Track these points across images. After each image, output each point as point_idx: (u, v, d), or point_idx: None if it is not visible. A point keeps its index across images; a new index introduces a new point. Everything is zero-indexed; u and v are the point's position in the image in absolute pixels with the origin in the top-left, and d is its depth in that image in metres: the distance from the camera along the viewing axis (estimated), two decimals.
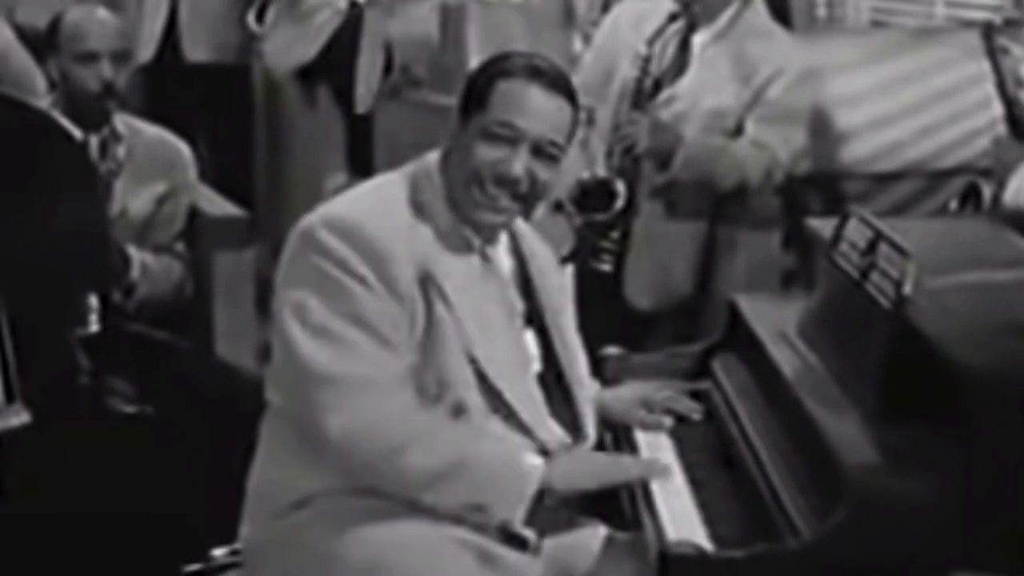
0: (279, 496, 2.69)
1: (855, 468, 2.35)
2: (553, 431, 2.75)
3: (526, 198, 2.70)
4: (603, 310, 3.96)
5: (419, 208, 2.69)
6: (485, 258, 2.77)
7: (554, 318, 2.87)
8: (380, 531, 2.61)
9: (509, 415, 2.68)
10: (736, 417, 2.90)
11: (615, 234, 4.06)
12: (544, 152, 2.69)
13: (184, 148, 4.04)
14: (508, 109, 2.67)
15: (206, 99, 5.71)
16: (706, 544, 2.43)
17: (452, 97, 5.09)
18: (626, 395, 3.03)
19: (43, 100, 3.96)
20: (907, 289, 2.51)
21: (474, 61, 5.24)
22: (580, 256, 4.10)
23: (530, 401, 2.73)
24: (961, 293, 2.54)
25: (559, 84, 2.73)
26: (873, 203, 4.31)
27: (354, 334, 2.58)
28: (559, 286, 2.96)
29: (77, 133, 3.77)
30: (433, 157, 2.76)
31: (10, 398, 3.04)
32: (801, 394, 2.67)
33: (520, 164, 2.66)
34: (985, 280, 2.60)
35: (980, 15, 4.52)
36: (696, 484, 2.71)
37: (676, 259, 4.07)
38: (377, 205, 2.69)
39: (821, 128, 4.30)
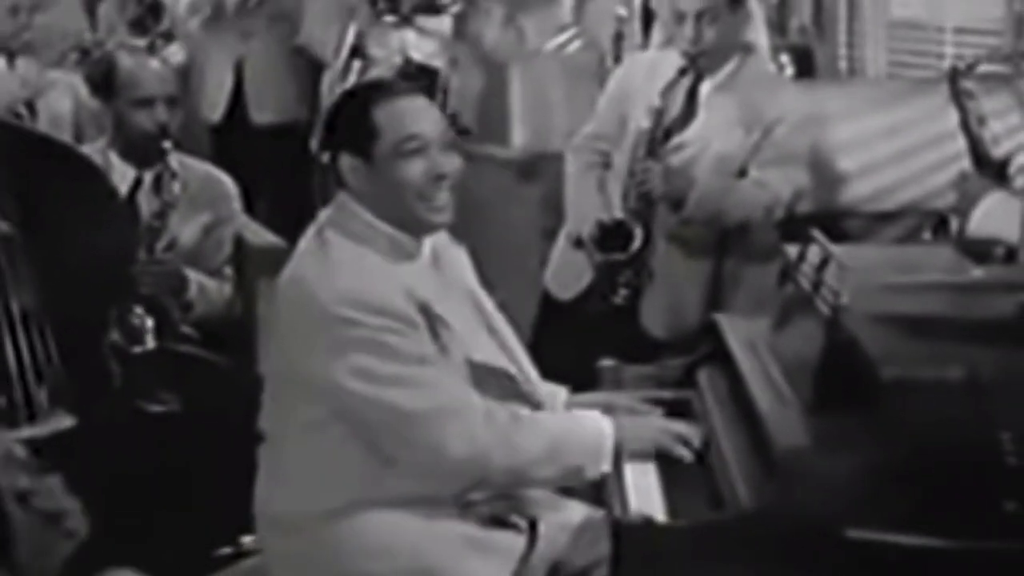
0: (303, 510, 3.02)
1: (786, 452, 2.68)
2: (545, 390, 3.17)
3: (451, 188, 3.03)
4: (619, 337, 4.32)
5: (361, 241, 2.98)
6: (437, 264, 3.12)
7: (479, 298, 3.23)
8: (385, 527, 2.98)
9: (516, 393, 3.07)
10: (709, 419, 3.23)
11: (630, 271, 4.40)
12: (448, 145, 3.03)
13: (228, 181, 4.44)
14: (404, 125, 2.97)
15: (271, 158, 6.10)
16: (661, 517, 2.77)
17: (495, 146, 5.54)
18: (590, 401, 3.31)
19: (98, 141, 4.37)
20: (844, 299, 2.84)
21: (516, 111, 5.64)
22: (598, 290, 4.45)
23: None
24: (894, 304, 2.85)
25: (412, 88, 3.10)
26: (872, 239, 4.65)
27: (420, 371, 2.92)
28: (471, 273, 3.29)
29: (131, 170, 4.18)
30: (344, 203, 3.03)
31: (54, 403, 3.43)
32: (757, 395, 3.01)
33: (444, 162, 2.99)
34: (918, 292, 2.91)
35: (987, 67, 4.85)
36: (667, 473, 3.03)
37: (688, 294, 4.40)
38: (353, 264, 2.97)
39: (823, 170, 4.65)
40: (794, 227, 4.49)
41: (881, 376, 2.62)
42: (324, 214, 3.08)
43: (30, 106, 4.83)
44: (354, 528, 2.98)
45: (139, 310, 3.91)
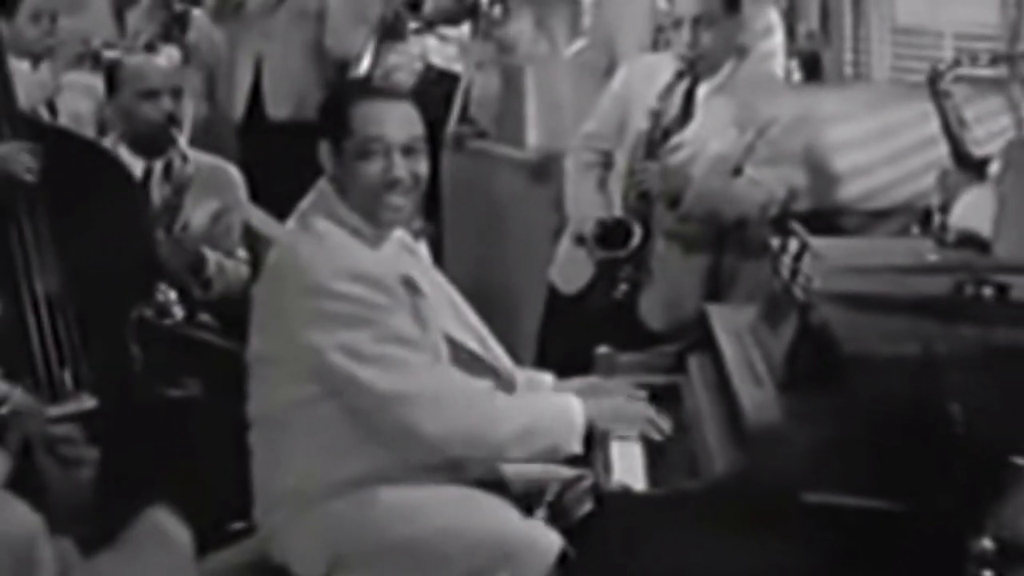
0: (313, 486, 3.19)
1: (756, 427, 2.89)
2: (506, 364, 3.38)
3: (412, 191, 3.21)
4: (619, 330, 4.50)
5: (340, 223, 3.19)
6: (409, 248, 3.34)
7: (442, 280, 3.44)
8: (396, 494, 3.16)
9: (483, 368, 3.28)
10: (696, 401, 3.42)
11: (629, 267, 4.59)
12: (413, 150, 3.19)
13: (234, 171, 4.65)
14: (370, 126, 3.17)
15: (290, 154, 6.27)
16: (642, 487, 2.97)
17: (511, 148, 5.73)
18: (578, 385, 3.49)
19: (108, 137, 4.58)
20: (815, 284, 3.03)
21: (531, 113, 5.84)
22: (599, 286, 4.64)
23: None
24: (859, 286, 3.04)
25: (395, 92, 3.33)
26: (868, 236, 4.83)
27: (400, 351, 3.10)
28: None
29: (140, 162, 4.39)
30: (324, 189, 3.25)
31: (77, 386, 3.64)
32: (736, 377, 3.21)
33: (399, 168, 3.16)
34: (879, 274, 3.11)
35: (985, 71, 5.04)
36: (650, 447, 3.24)
37: (686, 289, 4.54)
38: (343, 241, 3.17)
39: (820, 170, 4.84)
40: (791, 224, 4.68)
41: (845, 353, 2.81)
42: (305, 203, 3.29)
43: (51, 107, 5.04)
44: (365, 499, 3.15)
45: (162, 286, 4.12)
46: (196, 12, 6.19)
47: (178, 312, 4.08)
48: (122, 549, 2.61)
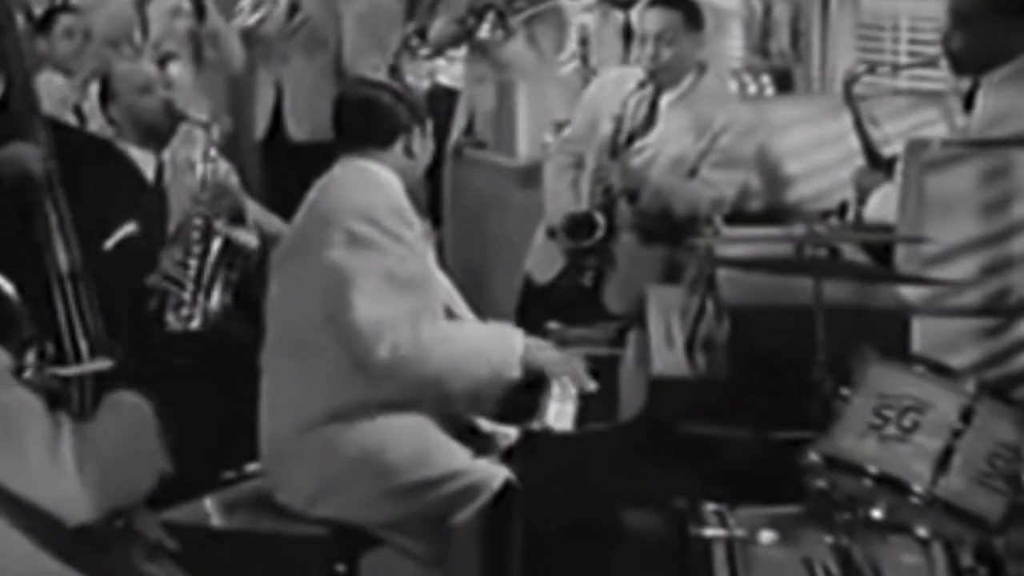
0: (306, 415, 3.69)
1: (657, 380, 3.42)
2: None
3: None
4: (585, 314, 4.98)
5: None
6: None
7: None
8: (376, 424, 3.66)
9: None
10: (627, 366, 3.92)
11: (595, 257, 5.09)
12: None
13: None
14: None
15: (310, 173, 6.72)
16: None
17: (504, 157, 6.21)
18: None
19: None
20: (717, 255, 3.53)
21: (522, 126, 6.35)
22: (568, 273, 5.15)
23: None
24: (743, 255, 3.55)
25: None
26: None
27: (383, 284, 3.59)
28: None
29: (151, 158, 4.87)
30: (350, 161, 3.83)
31: (93, 351, 4.17)
32: (654, 342, 3.72)
33: None
34: (762, 247, 3.61)
35: (937, 86, 5.49)
36: (584, 405, 3.73)
37: (644, 276, 5.01)
38: (391, 188, 3.75)
39: (771, 174, 5.31)
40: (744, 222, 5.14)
41: (736, 311, 3.31)
42: (326, 178, 3.86)
43: (80, 116, 5.55)
44: (348, 428, 3.65)
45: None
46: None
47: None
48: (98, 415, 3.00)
